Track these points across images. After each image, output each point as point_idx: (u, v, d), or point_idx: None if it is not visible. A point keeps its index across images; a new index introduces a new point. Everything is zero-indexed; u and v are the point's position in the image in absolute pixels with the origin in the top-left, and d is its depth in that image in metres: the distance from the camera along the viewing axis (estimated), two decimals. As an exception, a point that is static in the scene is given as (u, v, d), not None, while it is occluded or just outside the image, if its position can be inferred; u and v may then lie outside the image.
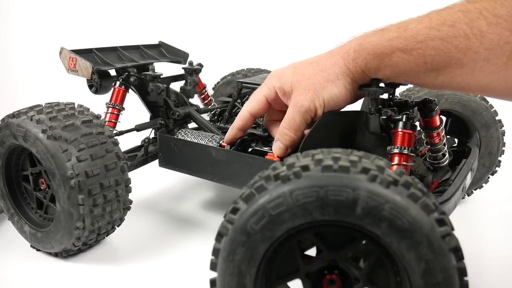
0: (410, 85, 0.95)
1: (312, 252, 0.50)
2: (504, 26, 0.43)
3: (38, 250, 0.82)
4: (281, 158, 0.75)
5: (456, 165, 0.78)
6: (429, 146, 0.78)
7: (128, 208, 0.80)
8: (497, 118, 0.93)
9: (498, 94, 0.49)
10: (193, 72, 1.05)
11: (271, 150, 0.79)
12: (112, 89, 0.97)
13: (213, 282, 0.48)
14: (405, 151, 0.64)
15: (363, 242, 0.47)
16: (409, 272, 0.41)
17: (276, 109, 0.67)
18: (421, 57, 0.50)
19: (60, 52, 0.93)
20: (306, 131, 0.65)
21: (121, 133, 0.94)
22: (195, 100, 1.12)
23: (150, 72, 0.97)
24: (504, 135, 0.95)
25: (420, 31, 0.49)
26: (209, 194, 1.09)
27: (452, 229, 0.42)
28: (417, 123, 0.73)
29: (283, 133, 0.62)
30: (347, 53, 0.57)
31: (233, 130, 0.72)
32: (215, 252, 0.46)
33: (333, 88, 0.58)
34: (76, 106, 0.79)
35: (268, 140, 0.85)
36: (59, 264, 0.79)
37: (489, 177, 0.98)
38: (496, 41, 0.44)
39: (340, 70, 0.57)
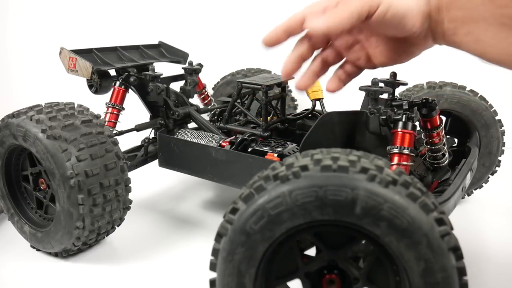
0: (410, 85, 0.95)
1: (311, 252, 0.50)
2: None
3: (38, 250, 0.82)
4: (281, 158, 0.75)
5: (456, 165, 0.78)
6: (429, 146, 0.78)
7: (128, 208, 0.80)
8: (497, 118, 0.93)
9: None
10: (193, 72, 1.05)
11: (271, 150, 0.79)
12: (112, 89, 0.97)
13: (212, 282, 0.48)
14: (405, 151, 0.64)
15: (363, 242, 0.47)
16: (408, 272, 0.41)
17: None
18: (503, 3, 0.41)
19: (60, 52, 0.93)
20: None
21: (121, 133, 0.94)
22: (195, 100, 1.12)
23: (150, 72, 0.97)
24: (504, 135, 0.95)
25: None
26: (209, 194, 1.09)
27: (452, 228, 0.42)
28: (417, 123, 0.73)
29: (330, 13, 0.46)
30: None
31: (290, 60, 0.55)
32: (215, 252, 0.46)
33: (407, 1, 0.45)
34: (75, 106, 0.79)
35: (268, 140, 0.86)
36: (59, 264, 0.79)
37: (489, 177, 0.98)
38: None
39: None
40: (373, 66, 0.52)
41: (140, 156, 0.96)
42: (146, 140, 0.97)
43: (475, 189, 1.01)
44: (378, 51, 0.51)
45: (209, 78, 1.28)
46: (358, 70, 0.54)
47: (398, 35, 0.48)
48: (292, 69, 0.55)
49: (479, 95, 0.93)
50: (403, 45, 0.49)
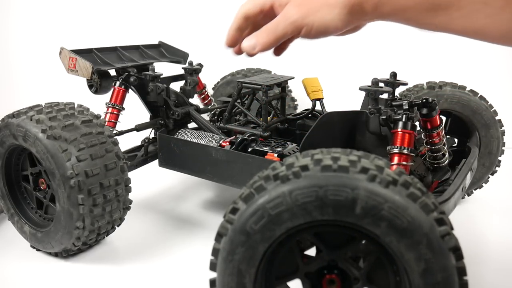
0: (410, 85, 0.95)
1: (311, 252, 0.50)
2: None
3: (38, 250, 0.82)
4: (281, 158, 0.76)
5: (456, 165, 0.78)
6: (429, 146, 0.78)
7: (128, 208, 0.80)
8: (497, 118, 0.93)
9: (491, 38, 0.49)
10: (193, 72, 1.05)
11: (271, 150, 0.79)
12: (112, 89, 0.97)
13: (212, 282, 0.48)
14: (405, 151, 0.65)
15: (363, 242, 0.47)
16: (408, 272, 0.41)
17: (261, 24, 0.64)
18: None
19: (60, 52, 0.93)
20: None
21: (121, 133, 0.94)
22: (195, 100, 1.12)
23: (150, 72, 0.97)
24: (504, 135, 0.95)
25: None
26: (209, 194, 1.10)
27: (452, 228, 0.42)
28: (417, 123, 0.73)
29: (261, 33, 0.60)
30: None
31: (229, 33, 0.67)
32: (215, 252, 0.46)
33: (327, 13, 0.56)
34: (76, 106, 0.79)
35: (268, 140, 0.86)
36: (59, 264, 0.79)
37: (489, 177, 0.98)
38: None
39: None
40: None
41: (140, 156, 0.96)
42: (146, 140, 0.97)
43: (475, 189, 1.01)
44: None
45: (209, 78, 1.28)
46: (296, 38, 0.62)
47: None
48: (235, 41, 0.65)
49: (479, 95, 0.93)
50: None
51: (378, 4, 0.53)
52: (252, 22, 0.65)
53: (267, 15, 0.63)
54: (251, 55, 0.62)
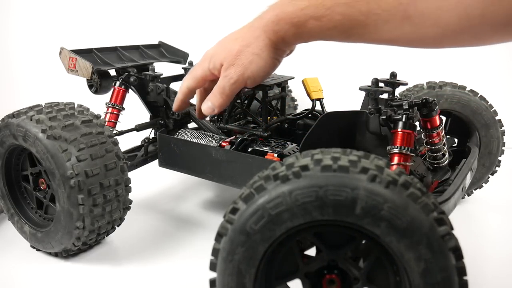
0: (410, 85, 0.95)
1: (311, 252, 0.50)
2: None
3: (38, 250, 0.82)
4: (281, 158, 0.76)
5: (456, 165, 0.78)
6: (429, 146, 0.78)
7: (128, 208, 0.80)
8: (497, 118, 0.93)
9: (399, 45, 0.54)
10: (193, 72, 1.05)
11: (271, 150, 0.79)
12: (112, 89, 0.97)
13: (212, 282, 0.48)
14: (405, 151, 0.65)
15: (363, 242, 0.47)
16: (408, 272, 0.41)
17: (210, 88, 0.73)
18: (331, 22, 0.55)
19: (60, 52, 0.93)
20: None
21: (121, 133, 0.94)
22: (195, 100, 1.12)
23: (150, 72, 0.97)
24: (504, 135, 0.95)
25: None
26: (209, 194, 1.10)
27: (452, 228, 0.42)
28: (417, 123, 0.73)
29: (214, 96, 0.69)
30: (267, 25, 0.61)
31: (176, 103, 0.79)
32: (215, 252, 0.46)
33: (259, 60, 0.64)
34: (75, 106, 0.79)
35: (268, 140, 0.85)
36: (59, 264, 0.79)
37: (489, 177, 0.98)
38: (391, 3, 0.49)
39: (263, 43, 0.62)
40: None
41: (140, 156, 0.96)
42: (146, 140, 0.97)
43: (475, 189, 1.01)
44: None
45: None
46: None
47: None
48: (180, 108, 0.79)
49: (479, 95, 0.93)
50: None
51: (297, 36, 0.60)
52: (204, 88, 0.76)
53: (213, 80, 0.72)
54: (210, 114, 0.74)
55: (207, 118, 1.04)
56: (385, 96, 0.73)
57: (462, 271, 0.41)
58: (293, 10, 0.58)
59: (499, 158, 0.96)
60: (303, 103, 1.24)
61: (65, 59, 0.92)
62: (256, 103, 0.96)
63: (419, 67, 1.38)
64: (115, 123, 0.96)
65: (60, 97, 0.91)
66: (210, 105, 0.70)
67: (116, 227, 0.82)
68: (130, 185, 0.78)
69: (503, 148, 0.96)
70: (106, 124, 0.90)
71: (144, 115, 1.02)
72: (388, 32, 0.52)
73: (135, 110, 1.05)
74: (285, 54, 0.67)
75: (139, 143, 1.00)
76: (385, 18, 0.51)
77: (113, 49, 1.03)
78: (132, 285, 0.73)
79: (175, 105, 0.80)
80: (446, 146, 0.80)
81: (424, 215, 0.40)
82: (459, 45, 0.52)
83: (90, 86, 0.99)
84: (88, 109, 0.79)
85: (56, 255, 0.80)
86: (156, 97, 0.96)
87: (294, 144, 0.84)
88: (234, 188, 0.81)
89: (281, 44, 0.63)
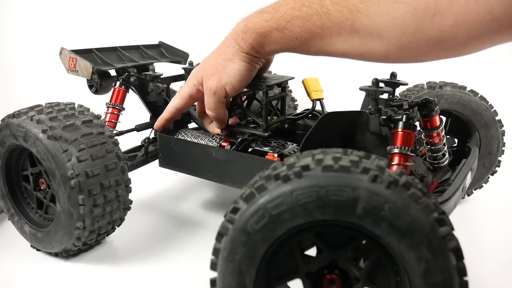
0: (410, 85, 0.95)
1: (312, 252, 0.50)
2: (343, 5, 0.54)
3: (38, 250, 0.82)
4: (281, 158, 0.76)
5: (456, 165, 0.78)
6: (429, 146, 0.78)
7: (128, 208, 0.80)
8: (497, 118, 0.93)
9: (354, 58, 0.60)
10: (193, 72, 1.05)
11: (271, 150, 0.79)
12: (112, 89, 0.97)
13: (213, 282, 0.48)
14: (405, 151, 0.65)
15: (363, 242, 0.47)
16: (409, 272, 0.41)
17: (202, 101, 0.78)
18: (292, 34, 0.60)
19: (60, 52, 0.93)
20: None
21: (121, 133, 0.94)
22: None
23: (150, 72, 0.97)
24: (504, 135, 0.95)
25: (288, 12, 0.60)
26: (209, 194, 1.10)
27: (452, 229, 0.42)
28: (417, 123, 0.73)
29: (209, 114, 0.77)
30: (237, 34, 0.67)
31: (161, 121, 0.83)
32: (215, 252, 0.46)
33: (233, 65, 0.68)
34: (76, 106, 0.79)
35: (268, 140, 0.85)
36: (59, 264, 0.79)
37: (489, 177, 0.98)
38: (339, 18, 0.54)
39: (234, 49, 0.68)
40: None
41: (140, 156, 0.96)
42: (146, 140, 0.97)
43: (475, 189, 1.01)
44: None
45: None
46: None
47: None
48: (163, 128, 0.86)
49: (479, 95, 0.93)
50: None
51: (264, 44, 0.66)
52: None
53: (200, 97, 0.77)
54: (220, 128, 0.81)
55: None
56: (385, 96, 0.73)
57: (462, 271, 0.41)
58: (259, 21, 0.64)
59: (499, 158, 0.96)
60: (303, 103, 1.24)
61: (65, 59, 0.92)
62: (256, 103, 0.96)
63: (419, 67, 1.37)
64: (115, 123, 0.96)
65: (60, 97, 0.91)
66: (214, 124, 0.79)
67: (116, 227, 0.82)
68: (130, 185, 0.78)
69: (503, 148, 0.96)
70: (106, 124, 0.90)
71: (144, 115, 1.02)
72: (341, 44, 0.57)
73: (135, 110, 1.05)
74: (259, 61, 0.71)
75: (139, 143, 1.00)
76: (337, 31, 0.55)
77: (113, 49, 1.03)
78: (132, 285, 0.73)
79: (158, 124, 0.84)
80: (446, 146, 0.80)
81: (425, 215, 0.40)
82: (405, 61, 0.56)
83: (90, 86, 0.99)
84: (88, 109, 0.79)
85: (56, 255, 0.80)
86: (156, 97, 0.96)
87: (295, 144, 0.84)
88: (234, 188, 0.81)
89: (252, 52, 0.67)
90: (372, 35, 0.52)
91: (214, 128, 0.81)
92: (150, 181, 1.13)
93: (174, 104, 0.79)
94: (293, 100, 1.27)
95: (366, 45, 0.54)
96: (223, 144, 0.84)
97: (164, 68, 1.06)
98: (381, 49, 0.53)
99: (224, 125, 0.79)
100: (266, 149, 0.80)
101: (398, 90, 0.82)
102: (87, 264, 0.79)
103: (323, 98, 0.92)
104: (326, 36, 0.57)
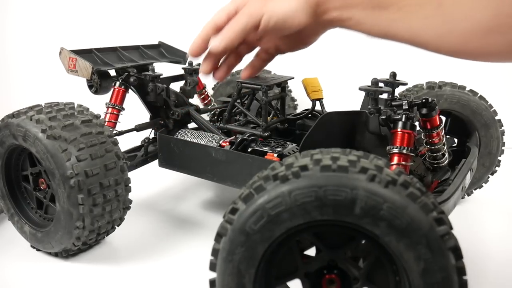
0: (409, 85, 0.95)
1: (311, 252, 0.50)
2: None
3: (38, 250, 0.82)
4: (281, 158, 0.76)
5: (455, 165, 0.78)
6: (428, 146, 0.78)
7: (128, 208, 0.80)
8: (496, 118, 0.93)
9: (425, 43, 0.51)
10: (192, 72, 1.05)
11: (271, 150, 0.80)
12: (112, 89, 0.97)
13: (212, 283, 0.48)
14: (405, 151, 0.65)
15: (362, 241, 0.47)
16: (408, 272, 0.41)
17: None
18: None
19: (60, 52, 0.93)
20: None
21: (121, 133, 0.94)
22: (195, 100, 1.12)
23: (149, 72, 0.97)
24: (503, 135, 0.95)
25: None
26: (209, 194, 1.10)
27: (451, 228, 0.42)
28: (417, 123, 0.73)
29: (226, 28, 0.60)
30: None
31: (197, 39, 0.66)
32: (215, 252, 0.46)
33: (284, 2, 0.56)
34: (75, 106, 0.79)
35: (267, 140, 0.86)
36: (59, 264, 0.79)
37: (489, 177, 0.98)
38: None
39: None
40: (283, 53, 0.64)
41: (140, 156, 0.96)
42: (146, 140, 0.97)
43: (475, 189, 1.01)
44: (282, 42, 0.61)
45: (209, 78, 1.28)
46: (271, 57, 0.65)
47: (289, 33, 0.57)
48: (199, 51, 0.64)
49: (479, 95, 0.93)
50: (302, 35, 0.59)
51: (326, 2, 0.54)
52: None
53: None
54: (217, 54, 0.61)
55: (207, 118, 1.04)
56: (385, 96, 0.73)
57: (461, 270, 0.41)
58: None
59: (499, 158, 0.96)
60: (303, 103, 1.24)
61: (65, 60, 0.92)
62: (256, 103, 0.96)
63: (419, 67, 1.38)
64: (115, 123, 0.96)
65: (60, 97, 0.91)
66: (218, 38, 0.60)
67: (116, 227, 0.82)
68: (130, 185, 0.78)
69: (503, 148, 0.96)
70: (106, 124, 0.90)
71: (144, 115, 1.02)
72: (419, 20, 0.49)
73: (135, 110, 1.05)
74: (308, 20, 0.57)
75: (139, 143, 1.00)
76: (419, 2, 0.48)
77: (113, 49, 1.03)
78: (132, 285, 0.73)
79: (193, 47, 0.64)
80: (446, 146, 0.80)
81: (423, 214, 0.40)
82: (484, 50, 0.49)
83: (90, 86, 0.99)
84: (88, 109, 0.79)
85: (56, 255, 0.80)
86: (156, 97, 0.96)
87: (294, 144, 0.84)
88: (234, 188, 0.81)
89: (312, 2, 0.56)
90: (459, 12, 0.46)
91: (215, 42, 0.61)
92: (150, 181, 1.13)
93: (213, 20, 0.63)
94: (293, 100, 1.27)
95: (447, 24, 0.47)
96: (223, 144, 0.84)
97: (164, 68, 1.06)
98: (464, 30, 0.46)
99: (211, 71, 0.65)
100: (265, 149, 0.80)
101: (398, 90, 0.82)
102: (87, 263, 0.79)
103: (322, 98, 0.92)
104: (404, 8, 0.49)
